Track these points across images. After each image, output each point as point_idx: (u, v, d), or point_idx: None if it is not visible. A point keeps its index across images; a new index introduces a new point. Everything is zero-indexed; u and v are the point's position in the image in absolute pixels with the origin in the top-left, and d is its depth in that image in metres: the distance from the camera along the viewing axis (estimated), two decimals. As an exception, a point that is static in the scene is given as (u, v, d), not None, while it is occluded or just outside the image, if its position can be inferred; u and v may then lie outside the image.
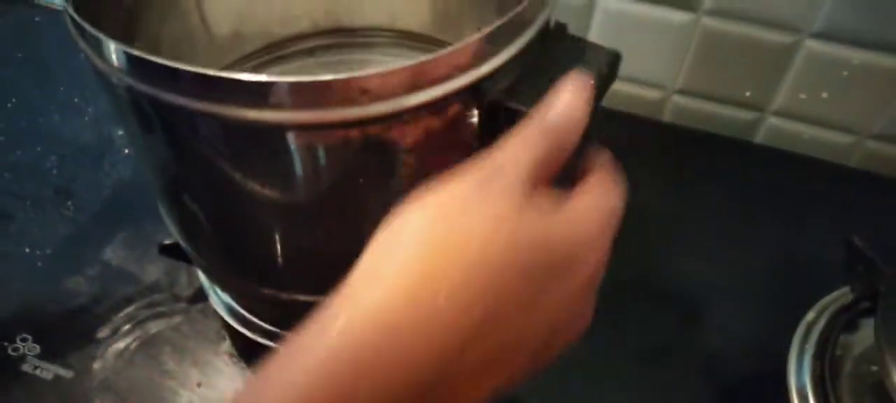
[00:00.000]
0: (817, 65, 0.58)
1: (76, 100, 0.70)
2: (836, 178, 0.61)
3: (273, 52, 0.53)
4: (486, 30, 0.29)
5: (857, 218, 0.56)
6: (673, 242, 0.55)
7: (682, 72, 0.63)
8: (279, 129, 0.28)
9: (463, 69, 0.29)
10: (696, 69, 0.62)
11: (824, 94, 0.60)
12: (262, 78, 0.26)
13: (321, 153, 0.30)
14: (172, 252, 0.45)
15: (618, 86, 0.66)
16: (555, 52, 0.33)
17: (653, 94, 0.66)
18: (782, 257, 0.54)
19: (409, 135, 0.30)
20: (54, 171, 0.64)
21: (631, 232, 0.51)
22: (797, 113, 0.62)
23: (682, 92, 0.65)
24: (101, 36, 0.28)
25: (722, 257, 0.54)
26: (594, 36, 0.62)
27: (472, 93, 0.30)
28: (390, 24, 0.53)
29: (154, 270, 0.52)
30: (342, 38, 0.55)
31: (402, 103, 0.28)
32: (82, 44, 0.30)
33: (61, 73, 0.73)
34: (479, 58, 0.29)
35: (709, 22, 0.59)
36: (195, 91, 0.27)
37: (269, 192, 0.31)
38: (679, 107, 0.66)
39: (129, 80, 0.28)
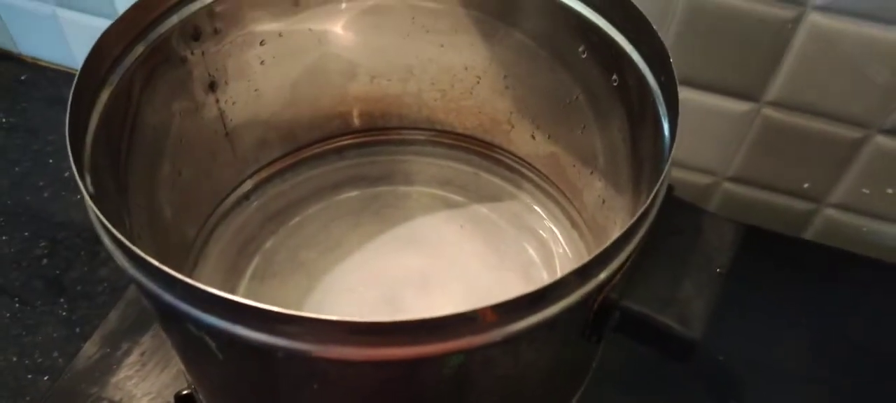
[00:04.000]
0: (886, 161, 0.54)
1: (67, 173, 0.64)
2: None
3: (298, 154, 0.47)
4: (615, 236, 0.24)
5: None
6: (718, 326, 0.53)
7: (737, 160, 0.59)
8: (370, 365, 0.23)
9: (582, 283, 0.24)
10: (751, 158, 0.58)
11: (889, 190, 0.56)
12: (371, 319, 0.21)
13: (405, 383, 0.24)
14: (191, 402, 0.40)
15: (663, 171, 0.61)
16: (668, 231, 0.28)
17: (702, 180, 0.61)
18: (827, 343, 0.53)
19: (510, 354, 0.25)
20: (45, 261, 0.57)
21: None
22: (857, 207, 0.58)
23: (734, 179, 0.60)
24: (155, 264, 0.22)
25: (765, 341, 0.52)
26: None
27: (584, 299, 0.25)
28: (429, 124, 0.48)
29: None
30: (373, 135, 0.49)
31: (513, 328, 0.23)
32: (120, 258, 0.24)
33: (50, 142, 0.67)
34: (602, 266, 0.24)
35: (770, 112, 0.55)
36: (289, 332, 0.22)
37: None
38: (729, 193, 0.61)
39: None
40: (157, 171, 0.35)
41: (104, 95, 0.30)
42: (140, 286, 0.25)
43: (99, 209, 0.25)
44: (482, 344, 0.23)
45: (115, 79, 0.31)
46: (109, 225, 0.23)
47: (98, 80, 0.30)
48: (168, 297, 0.23)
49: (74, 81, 0.28)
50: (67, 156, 0.67)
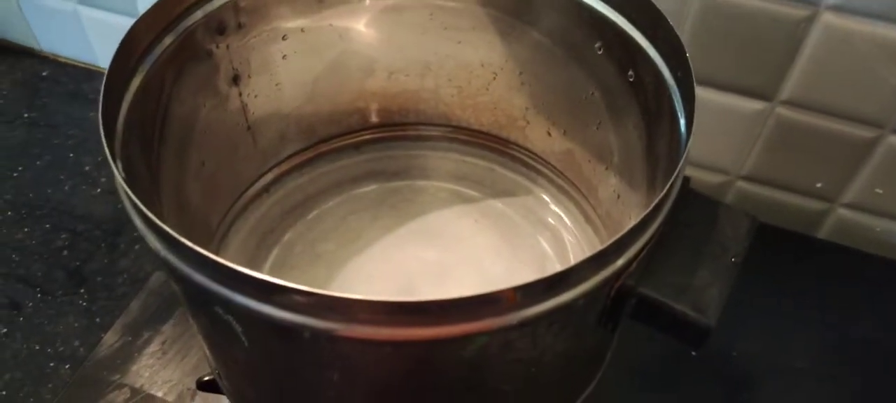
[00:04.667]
0: (899, 161, 0.54)
1: (87, 167, 0.65)
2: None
3: (317, 148, 0.48)
4: (632, 224, 0.24)
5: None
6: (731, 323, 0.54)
7: (750, 158, 0.59)
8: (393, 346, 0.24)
9: (599, 268, 0.25)
10: (765, 157, 0.58)
11: (903, 190, 0.56)
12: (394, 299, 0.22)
13: (427, 365, 0.25)
14: (213, 387, 0.40)
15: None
16: (684, 221, 0.29)
17: (715, 179, 0.62)
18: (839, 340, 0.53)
19: (529, 337, 0.26)
20: (65, 252, 0.58)
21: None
22: (870, 206, 0.58)
23: (747, 178, 0.61)
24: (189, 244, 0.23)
25: (778, 338, 0.52)
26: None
27: (602, 285, 0.26)
28: (444, 121, 0.49)
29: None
30: (390, 131, 0.50)
31: (533, 311, 0.24)
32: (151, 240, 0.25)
33: (71, 136, 0.68)
34: (619, 252, 0.25)
35: (784, 111, 0.55)
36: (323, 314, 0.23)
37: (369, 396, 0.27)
38: (742, 192, 0.61)
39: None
40: (184, 161, 0.36)
41: (135, 82, 0.31)
42: (170, 267, 0.25)
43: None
44: (503, 326, 0.23)
45: (145, 67, 0.32)
46: (142, 206, 0.24)
47: (130, 68, 0.31)
48: (199, 277, 0.24)
49: (108, 66, 0.29)
50: (88, 151, 0.68)
